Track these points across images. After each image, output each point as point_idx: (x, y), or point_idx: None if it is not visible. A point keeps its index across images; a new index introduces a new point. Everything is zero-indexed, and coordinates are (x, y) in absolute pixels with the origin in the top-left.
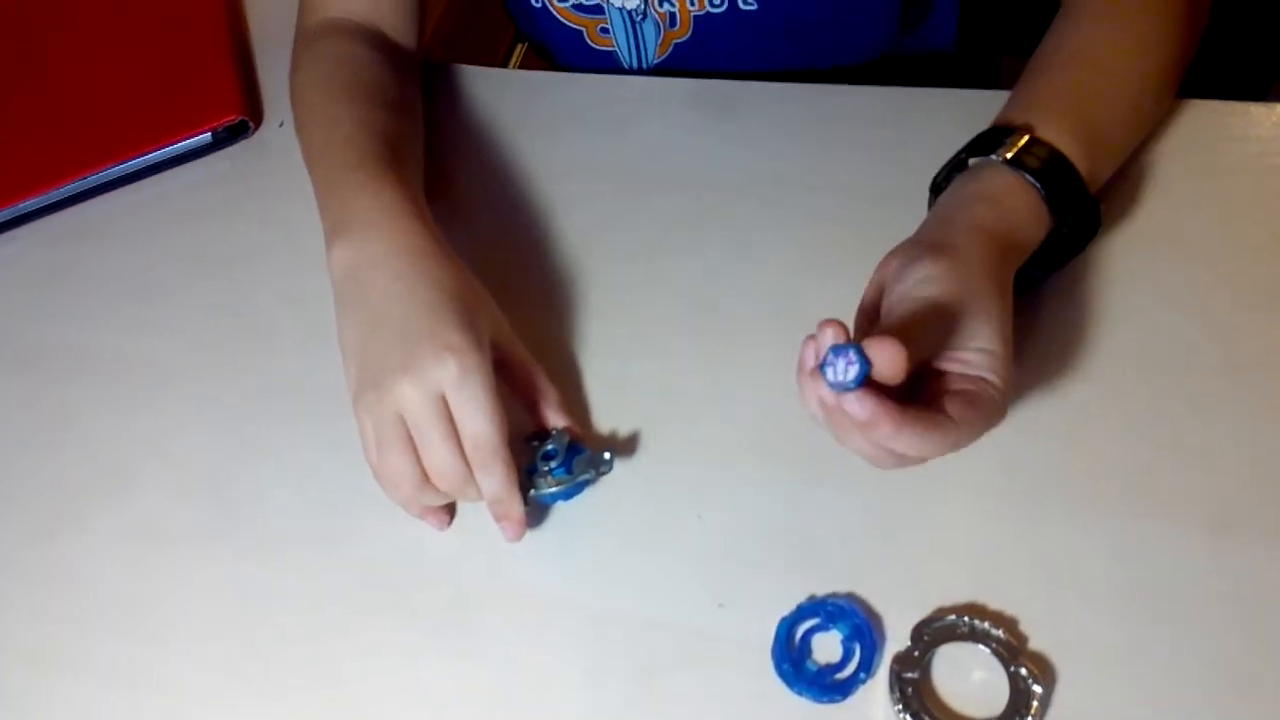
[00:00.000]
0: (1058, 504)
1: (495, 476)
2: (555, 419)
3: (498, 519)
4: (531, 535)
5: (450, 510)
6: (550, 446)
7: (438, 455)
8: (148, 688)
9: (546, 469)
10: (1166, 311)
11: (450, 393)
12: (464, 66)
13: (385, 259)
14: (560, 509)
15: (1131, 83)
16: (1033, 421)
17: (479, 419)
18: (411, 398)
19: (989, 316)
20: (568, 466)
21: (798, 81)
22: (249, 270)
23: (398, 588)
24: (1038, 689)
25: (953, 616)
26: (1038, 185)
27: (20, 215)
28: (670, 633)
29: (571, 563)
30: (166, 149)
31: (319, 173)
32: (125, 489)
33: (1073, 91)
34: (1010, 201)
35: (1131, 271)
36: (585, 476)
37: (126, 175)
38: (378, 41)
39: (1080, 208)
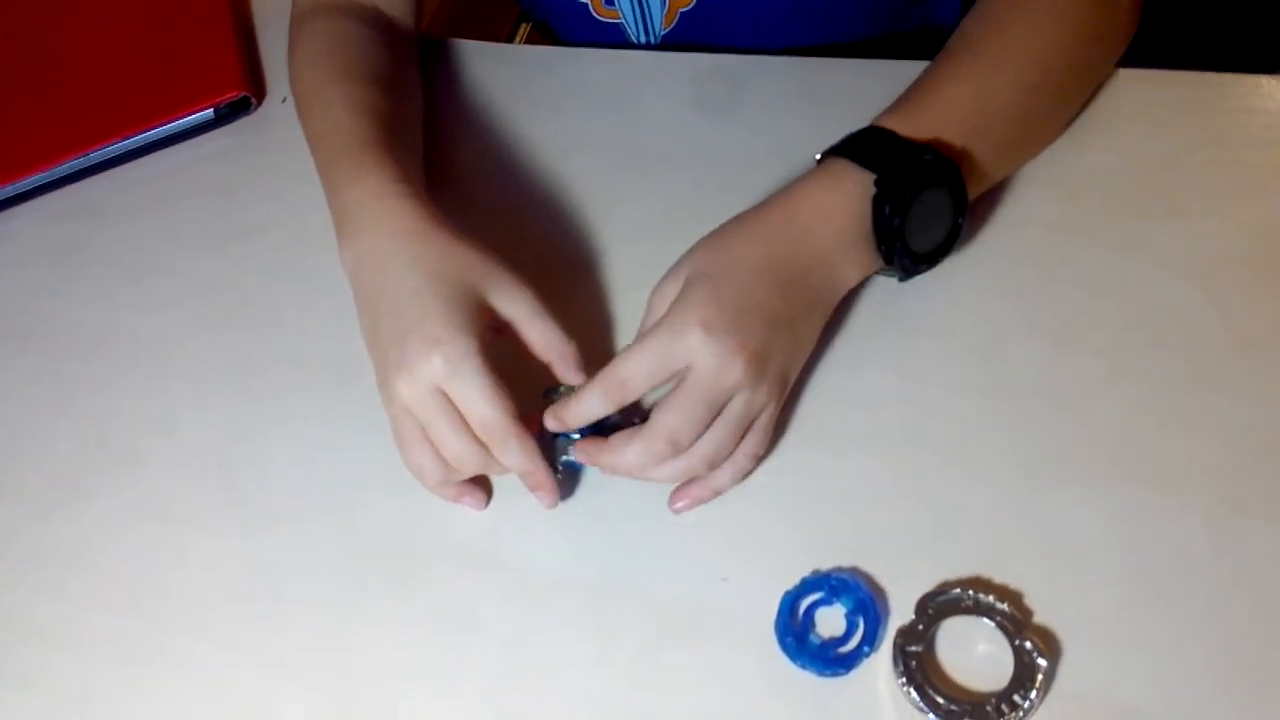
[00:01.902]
0: (1064, 478)
1: (512, 453)
2: (573, 378)
3: (530, 489)
4: (533, 510)
5: (486, 490)
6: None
7: (450, 445)
8: (151, 664)
9: (576, 434)
10: (1176, 286)
11: (445, 385)
12: (466, 42)
13: (375, 248)
14: (563, 484)
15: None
16: (1040, 395)
17: (479, 404)
18: (410, 396)
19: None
20: (596, 429)
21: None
22: (251, 246)
23: (401, 563)
24: (1042, 662)
25: (957, 590)
26: (846, 155)
27: (23, 192)
28: (674, 607)
29: (575, 537)
30: (169, 125)
31: (317, 161)
32: (128, 465)
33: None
34: (815, 181)
35: (1141, 245)
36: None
37: (129, 151)
38: (372, 18)
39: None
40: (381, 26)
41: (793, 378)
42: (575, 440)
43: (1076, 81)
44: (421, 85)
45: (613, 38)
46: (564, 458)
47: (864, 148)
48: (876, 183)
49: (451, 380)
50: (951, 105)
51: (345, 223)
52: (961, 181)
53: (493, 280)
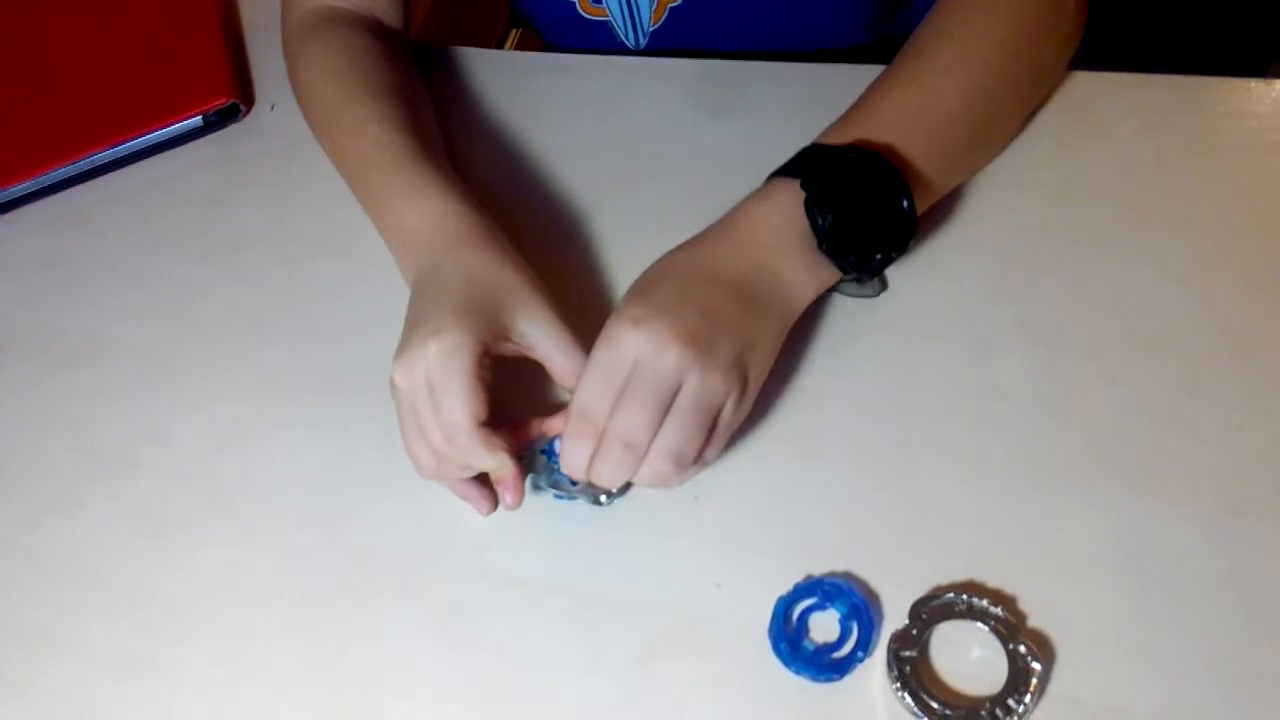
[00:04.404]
0: (1057, 482)
1: (476, 457)
2: None
3: (495, 485)
4: (527, 518)
5: (493, 496)
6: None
7: (432, 437)
8: (143, 672)
9: (555, 465)
10: (1167, 289)
11: (431, 378)
12: (457, 48)
13: (436, 263)
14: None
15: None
16: (1032, 398)
17: (447, 404)
18: (402, 385)
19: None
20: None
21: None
22: (240, 253)
23: (393, 572)
24: (1037, 666)
25: (951, 594)
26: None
27: (11, 200)
28: (667, 614)
29: (568, 546)
30: (157, 133)
31: (358, 183)
32: (120, 474)
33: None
34: (749, 200)
35: (1132, 249)
36: (583, 498)
37: (117, 159)
38: (375, 29)
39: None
40: (384, 36)
41: (755, 376)
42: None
43: (1025, 83)
44: (425, 86)
45: (600, 36)
46: (531, 476)
47: (793, 163)
48: (802, 185)
49: (435, 373)
50: (885, 111)
51: (409, 242)
52: (893, 170)
53: (523, 303)
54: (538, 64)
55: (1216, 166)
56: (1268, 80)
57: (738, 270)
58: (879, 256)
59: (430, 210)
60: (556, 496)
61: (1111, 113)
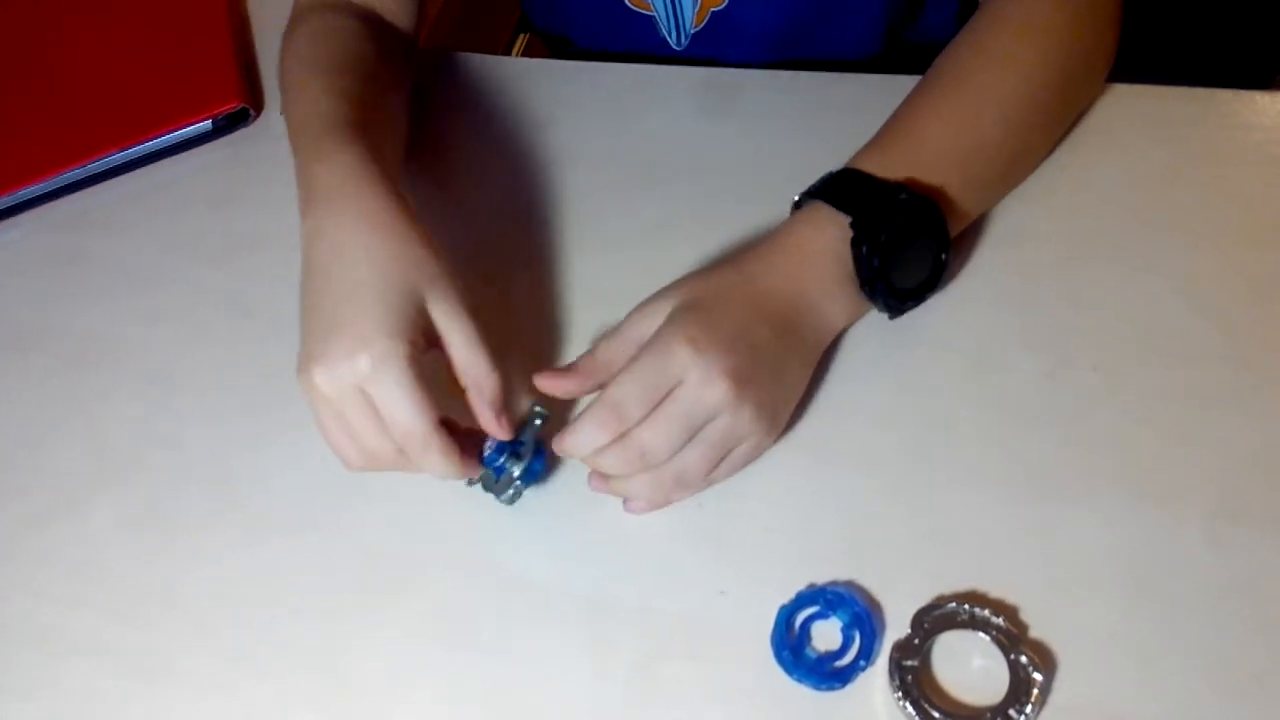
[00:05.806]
0: (1061, 491)
1: (432, 462)
2: (483, 412)
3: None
4: (531, 521)
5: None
6: (499, 459)
7: (366, 440)
8: (151, 673)
9: (508, 475)
10: (1170, 299)
11: (367, 387)
12: (468, 55)
13: (331, 229)
14: (560, 495)
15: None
16: (1037, 408)
17: (398, 410)
18: (327, 390)
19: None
20: (513, 451)
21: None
22: (250, 257)
23: (398, 574)
24: (1038, 677)
25: (953, 604)
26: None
27: (22, 202)
28: (670, 620)
29: (571, 550)
30: (167, 136)
31: (293, 144)
32: (128, 475)
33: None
34: (795, 225)
35: (1136, 259)
36: (524, 438)
37: (127, 163)
38: (367, 18)
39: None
40: (374, 24)
41: (778, 418)
42: (523, 447)
43: (1059, 113)
44: (410, 81)
45: (641, 31)
46: (517, 483)
47: (840, 189)
48: (852, 225)
49: (372, 383)
50: (929, 142)
51: (311, 195)
52: (940, 218)
53: (436, 289)
54: (547, 71)
55: (1222, 178)
56: (1272, 93)
57: (785, 299)
58: (914, 299)
59: (337, 168)
60: (522, 482)
61: (1119, 124)
